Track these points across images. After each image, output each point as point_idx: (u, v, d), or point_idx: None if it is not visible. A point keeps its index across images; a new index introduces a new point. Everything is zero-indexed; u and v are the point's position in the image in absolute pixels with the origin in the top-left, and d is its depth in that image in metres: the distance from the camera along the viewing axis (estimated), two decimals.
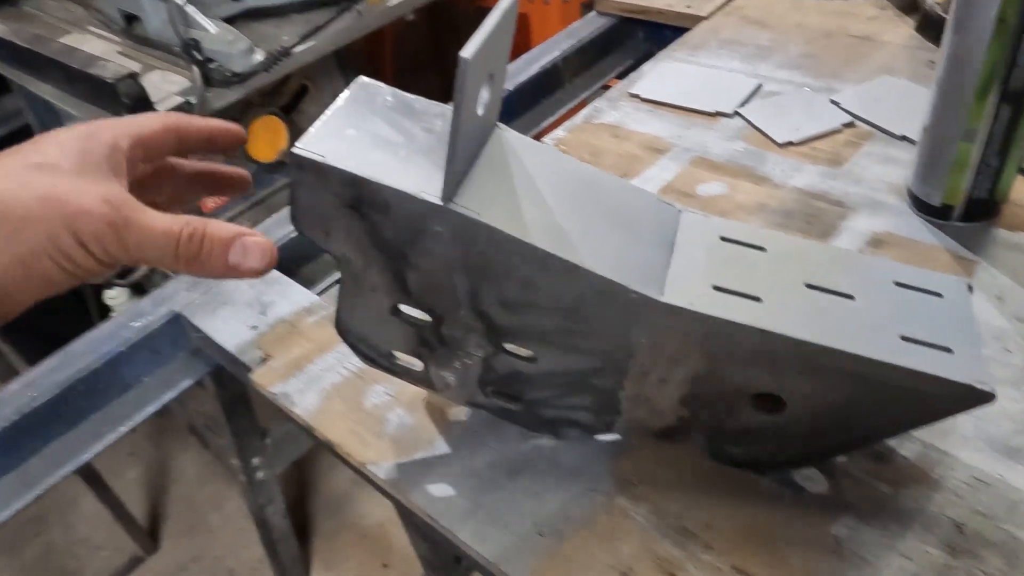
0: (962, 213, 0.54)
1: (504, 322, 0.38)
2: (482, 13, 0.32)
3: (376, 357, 0.42)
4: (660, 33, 0.93)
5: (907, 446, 0.42)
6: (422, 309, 0.38)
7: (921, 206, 0.56)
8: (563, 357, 0.39)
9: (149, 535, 1.48)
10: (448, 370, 0.41)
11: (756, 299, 0.36)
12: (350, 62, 1.26)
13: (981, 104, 0.49)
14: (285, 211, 0.67)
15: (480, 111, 0.35)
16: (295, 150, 0.34)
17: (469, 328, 0.39)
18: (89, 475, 1.36)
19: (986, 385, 0.34)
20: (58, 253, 0.29)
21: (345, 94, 0.37)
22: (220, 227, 0.33)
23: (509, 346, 0.39)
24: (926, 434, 0.43)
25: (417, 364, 0.42)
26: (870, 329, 0.35)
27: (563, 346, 0.38)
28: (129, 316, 0.61)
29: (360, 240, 0.36)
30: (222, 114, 1.03)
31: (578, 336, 0.37)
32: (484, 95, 0.35)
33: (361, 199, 0.34)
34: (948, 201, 0.54)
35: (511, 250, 0.35)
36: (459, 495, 0.44)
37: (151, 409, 0.61)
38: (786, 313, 0.35)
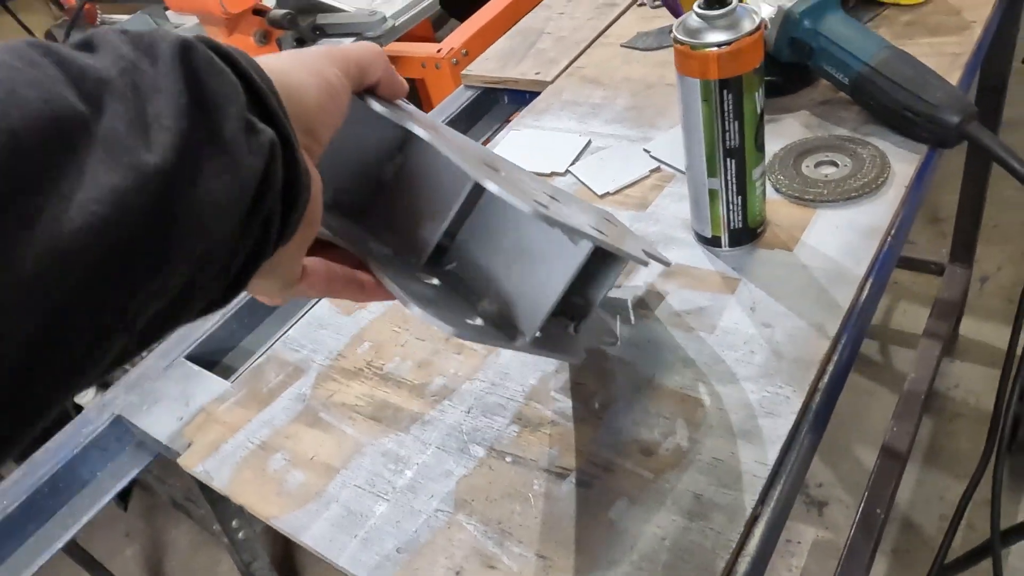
0: (728, 241, 0.67)
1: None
2: None
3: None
4: (521, 96, 1.07)
5: (668, 440, 0.55)
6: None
7: (699, 238, 0.69)
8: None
9: None
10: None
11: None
12: None
13: (713, 159, 0.62)
14: None
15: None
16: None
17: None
18: (86, 560, 1.47)
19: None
20: (331, 62, 0.39)
21: None
22: None
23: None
24: (685, 428, 0.55)
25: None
26: None
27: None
28: (79, 424, 0.73)
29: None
30: None
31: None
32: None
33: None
34: (715, 232, 0.67)
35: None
36: (339, 531, 0.56)
37: (107, 498, 0.73)
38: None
